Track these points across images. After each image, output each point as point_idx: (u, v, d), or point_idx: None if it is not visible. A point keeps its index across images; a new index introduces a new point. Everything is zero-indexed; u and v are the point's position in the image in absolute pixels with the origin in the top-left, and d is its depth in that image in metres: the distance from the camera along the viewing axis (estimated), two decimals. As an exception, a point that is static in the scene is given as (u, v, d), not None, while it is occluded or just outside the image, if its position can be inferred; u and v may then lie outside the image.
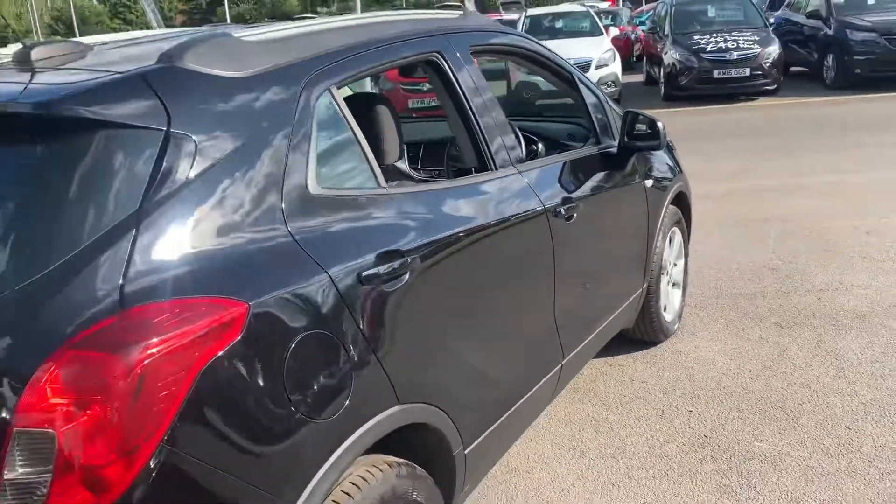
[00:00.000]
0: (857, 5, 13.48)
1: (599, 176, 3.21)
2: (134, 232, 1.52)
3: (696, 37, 13.28)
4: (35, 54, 1.79)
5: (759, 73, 12.63)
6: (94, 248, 1.48)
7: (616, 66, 13.16)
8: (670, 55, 13.20)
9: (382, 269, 1.91)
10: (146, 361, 1.40)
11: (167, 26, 36.14)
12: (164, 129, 1.62)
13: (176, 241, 1.56)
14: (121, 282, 1.46)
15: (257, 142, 1.77)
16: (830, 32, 13.34)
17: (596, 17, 15.28)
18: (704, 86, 12.72)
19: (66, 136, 1.56)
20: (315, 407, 1.69)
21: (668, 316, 4.11)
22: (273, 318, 1.62)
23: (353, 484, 1.79)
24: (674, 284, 4.21)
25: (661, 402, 3.57)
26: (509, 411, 2.51)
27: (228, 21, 41.85)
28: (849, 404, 3.42)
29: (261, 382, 1.58)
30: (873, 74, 12.69)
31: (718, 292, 4.80)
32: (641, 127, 3.29)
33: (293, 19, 2.47)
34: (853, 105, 11.84)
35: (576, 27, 14.93)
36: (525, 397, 2.61)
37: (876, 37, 12.60)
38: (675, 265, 4.19)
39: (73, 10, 50.70)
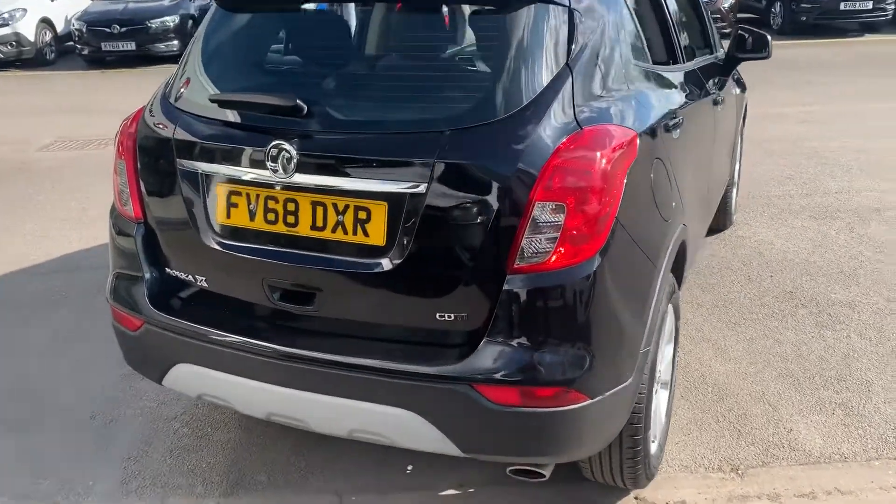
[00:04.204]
0: (802, -44, 14.59)
1: (721, 79, 3.94)
2: (570, 78, 2.14)
3: (659, -20, 14.10)
4: None
5: (718, 16, 13.60)
6: (551, 88, 2.09)
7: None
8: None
9: (672, 122, 2.61)
10: (604, 161, 2.04)
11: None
12: (568, 5, 2.23)
13: (588, 85, 2.19)
14: (573, 113, 2.10)
15: (606, 25, 2.39)
16: (779, -19, 14.43)
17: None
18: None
19: (520, 7, 2.14)
20: (665, 208, 2.41)
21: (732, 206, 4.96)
22: (644, 145, 2.28)
23: None
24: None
25: (745, 271, 4.40)
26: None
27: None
28: (891, 269, 4.34)
29: (647, 182, 2.28)
30: (816, 21, 13.90)
31: (753, 195, 5.67)
32: (751, 41, 4.01)
33: None
34: (799, 49, 12.96)
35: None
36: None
37: (821, -14, 13.77)
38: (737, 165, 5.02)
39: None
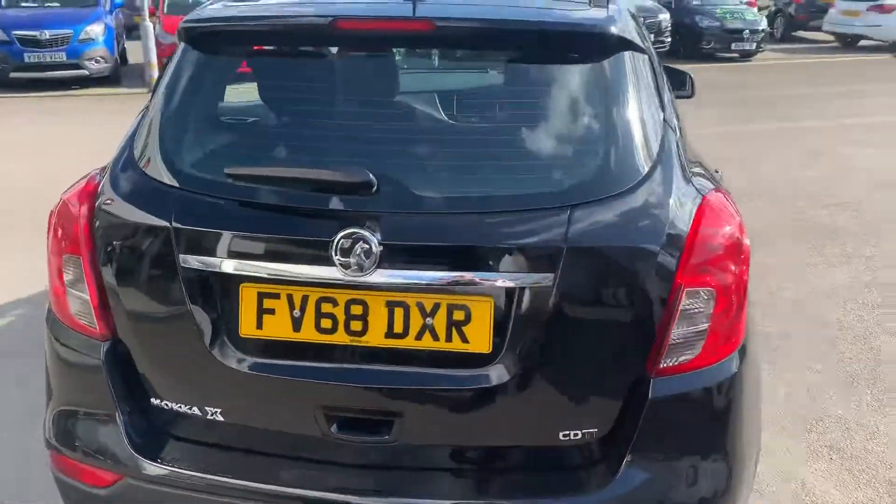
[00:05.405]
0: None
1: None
2: (673, 135, 1.85)
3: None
4: None
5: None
6: (663, 149, 1.78)
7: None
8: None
9: (720, 174, 2.39)
10: (738, 234, 1.75)
11: None
12: (647, 52, 1.94)
13: (682, 141, 1.91)
14: (689, 177, 1.81)
15: (662, 72, 2.13)
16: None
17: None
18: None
19: (610, 55, 1.80)
20: None
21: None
22: None
23: None
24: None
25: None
26: None
27: None
28: (800, 296, 4.52)
29: None
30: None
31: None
32: (672, 79, 3.96)
33: None
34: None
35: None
36: None
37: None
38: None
39: None
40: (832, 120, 9.65)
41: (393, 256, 1.61)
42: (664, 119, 1.87)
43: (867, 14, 16.45)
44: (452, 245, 1.63)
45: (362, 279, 1.61)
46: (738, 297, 1.72)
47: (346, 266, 1.60)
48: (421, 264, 1.63)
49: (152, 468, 1.77)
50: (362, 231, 1.59)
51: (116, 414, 1.80)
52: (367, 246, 1.58)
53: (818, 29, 18.02)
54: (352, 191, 1.64)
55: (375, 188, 1.63)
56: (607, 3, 1.96)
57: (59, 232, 1.85)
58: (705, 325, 1.68)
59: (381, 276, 1.61)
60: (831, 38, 18.03)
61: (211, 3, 2.03)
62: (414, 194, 1.66)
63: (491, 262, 1.63)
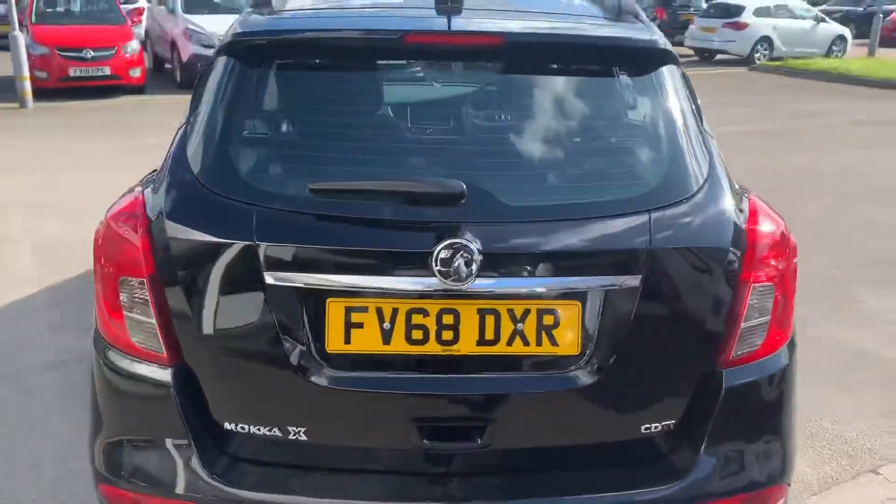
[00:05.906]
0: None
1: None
2: (713, 141, 1.98)
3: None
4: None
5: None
6: (712, 154, 1.91)
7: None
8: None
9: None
10: (784, 230, 1.92)
11: None
12: (678, 64, 2.06)
13: (716, 145, 2.04)
14: (734, 182, 1.94)
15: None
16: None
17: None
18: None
19: (657, 68, 1.92)
20: None
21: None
22: None
23: None
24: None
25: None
26: None
27: None
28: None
29: None
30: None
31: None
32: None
33: None
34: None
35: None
36: None
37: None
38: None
39: None
40: (712, 128, 10.35)
41: (491, 265, 1.64)
42: (704, 126, 2.00)
43: (723, 30, 17.78)
44: (546, 251, 1.67)
45: (460, 288, 1.62)
46: (790, 290, 1.87)
47: (446, 276, 1.61)
48: (516, 271, 1.67)
49: (230, 494, 1.70)
50: (462, 241, 1.61)
51: (189, 440, 1.71)
52: (468, 256, 1.60)
53: (680, 44, 19.25)
54: (445, 201, 1.65)
55: (465, 198, 1.65)
56: (637, 18, 2.08)
57: (111, 254, 1.75)
58: (767, 318, 1.82)
59: (478, 285, 1.64)
60: (691, 52, 19.34)
61: (250, 14, 1.98)
62: (503, 203, 1.70)
63: (583, 267, 1.69)
